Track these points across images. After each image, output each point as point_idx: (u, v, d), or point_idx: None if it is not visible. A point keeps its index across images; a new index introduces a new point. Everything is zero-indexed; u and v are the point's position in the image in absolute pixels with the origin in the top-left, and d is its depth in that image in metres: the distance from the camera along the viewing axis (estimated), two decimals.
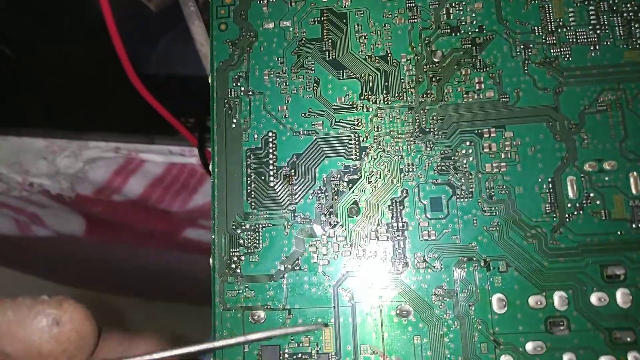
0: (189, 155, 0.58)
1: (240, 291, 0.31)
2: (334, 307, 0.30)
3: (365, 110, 0.32)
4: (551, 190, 0.30)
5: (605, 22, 0.31)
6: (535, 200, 0.30)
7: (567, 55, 0.31)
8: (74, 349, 0.24)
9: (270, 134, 0.33)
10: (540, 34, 0.32)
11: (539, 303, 0.29)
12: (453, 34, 0.32)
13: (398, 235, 0.31)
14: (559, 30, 0.32)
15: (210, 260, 0.31)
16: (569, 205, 0.30)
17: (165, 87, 0.49)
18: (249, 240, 0.31)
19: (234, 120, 0.33)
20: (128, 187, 0.60)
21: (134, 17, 0.45)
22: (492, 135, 0.31)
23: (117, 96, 0.52)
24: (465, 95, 0.32)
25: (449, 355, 0.29)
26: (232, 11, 0.34)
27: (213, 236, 0.32)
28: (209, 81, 0.34)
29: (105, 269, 0.89)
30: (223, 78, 0.34)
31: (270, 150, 0.32)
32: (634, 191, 0.30)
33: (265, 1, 0.34)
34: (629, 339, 0.29)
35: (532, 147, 0.31)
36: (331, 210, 0.31)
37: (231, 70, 0.34)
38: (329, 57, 0.33)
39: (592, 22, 0.32)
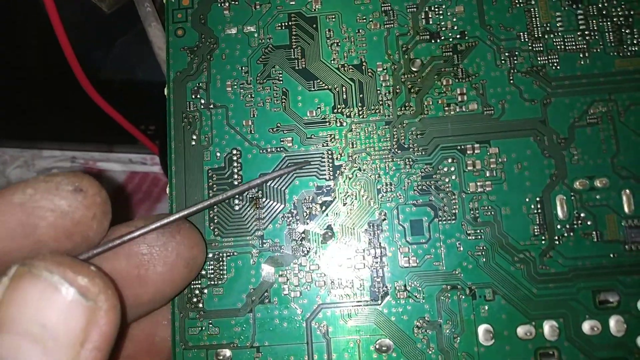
0: (151, 163, 0.54)
1: (203, 328, 0.28)
2: (307, 343, 0.28)
3: (338, 124, 0.29)
4: (539, 211, 0.28)
5: (595, 28, 0.29)
6: (523, 221, 0.28)
7: (555, 64, 0.29)
8: (101, 215, 0.23)
9: (234, 151, 0.29)
10: (526, 40, 0.29)
11: (528, 334, 0.27)
12: (433, 41, 0.30)
13: (376, 263, 0.28)
14: (546, 37, 0.29)
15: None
16: (558, 226, 0.28)
17: (123, 93, 0.45)
18: (212, 271, 0.28)
19: (194, 137, 0.30)
20: None
21: (85, 19, 0.41)
22: (476, 151, 0.29)
23: (72, 103, 0.48)
24: (446, 108, 0.29)
25: None
26: (190, 15, 0.31)
27: None
28: (165, 93, 0.30)
29: None
30: (181, 89, 0.30)
31: (235, 170, 0.29)
32: (627, 210, 0.28)
33: (227, 4, 0.31)
34: None
35: (519, 164, 0.28)
36: (303, 236, 0.29)
37: (190, 81, 0.30)
38: (298, 66, 0.30)
39: (581, 27, 0.29)
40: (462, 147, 0.29)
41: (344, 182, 0.29)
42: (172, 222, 0.25)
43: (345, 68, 0.30)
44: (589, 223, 0.28)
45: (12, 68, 0.49)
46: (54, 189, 0.22)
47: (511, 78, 0.29)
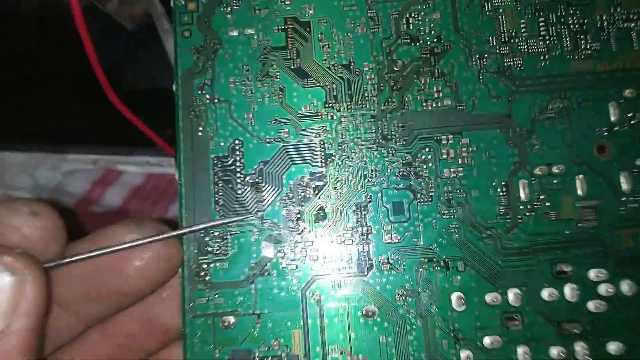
0: (167, 165, 0.58)
1: (210, 298, 0.32)
2: (302, 310, 0.31)
3: (329, 118, 0.33)
4: (505, 193, 0.32)
5: (554, 33, 0.33)
6: (490, 203, 0.32)
7: (519, 65, 0.33)
8: (50, 238, 0.28)
9: (236, 141, 0.33)
10: (495, 44, 0.33)
11: (495, 300, 0.31)
12: (413, 44, 0.34)
13: (363, 239, 0.32)
14: (512, 41, 0.33)
15: (179, 269, 0.32)
16: (521, 207, 0.32)
17: (143, 101, 0.49)
18: (218, 248, 0.32)
19: (200, 128, 0.33)
20: (106, 197, 0.59)
21: (111, 35, 0.44)
22: (449, 141, 0.33)
23: (95, 109, 0.52)
24: (424, 104, 0.33)
25: (412, 352, 0.31)
26: (196, 18, 0.34)
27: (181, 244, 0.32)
28: (174, 88, 0.34)
29: None
30: (188, 86, 0.34)
31: (237, 158, 0.33)
32: (580, 193, 0.32)
33: (229, 8, 0.34)
34: (576, 331, 0.31)
35: (487, 153, 0.33)
36: (298, 216, 0.32)
37: (196, 78, 0.34)
38: (293, 65, 0.34)
39: (542, 33, 0.33)
40: (438, 137, 0.33)
41: (335, 168, 0.33)
42: (146, 243, 0.29)
43: (336, 67, 0.34)
44: (547, 204, 0.32)
45: (41, 77, 0.52)
46: (13, 209, 0.27)
47: (481, 77, 0.33)
